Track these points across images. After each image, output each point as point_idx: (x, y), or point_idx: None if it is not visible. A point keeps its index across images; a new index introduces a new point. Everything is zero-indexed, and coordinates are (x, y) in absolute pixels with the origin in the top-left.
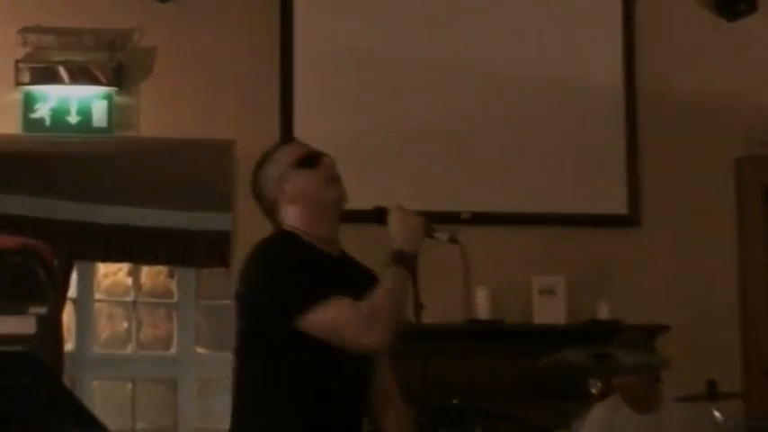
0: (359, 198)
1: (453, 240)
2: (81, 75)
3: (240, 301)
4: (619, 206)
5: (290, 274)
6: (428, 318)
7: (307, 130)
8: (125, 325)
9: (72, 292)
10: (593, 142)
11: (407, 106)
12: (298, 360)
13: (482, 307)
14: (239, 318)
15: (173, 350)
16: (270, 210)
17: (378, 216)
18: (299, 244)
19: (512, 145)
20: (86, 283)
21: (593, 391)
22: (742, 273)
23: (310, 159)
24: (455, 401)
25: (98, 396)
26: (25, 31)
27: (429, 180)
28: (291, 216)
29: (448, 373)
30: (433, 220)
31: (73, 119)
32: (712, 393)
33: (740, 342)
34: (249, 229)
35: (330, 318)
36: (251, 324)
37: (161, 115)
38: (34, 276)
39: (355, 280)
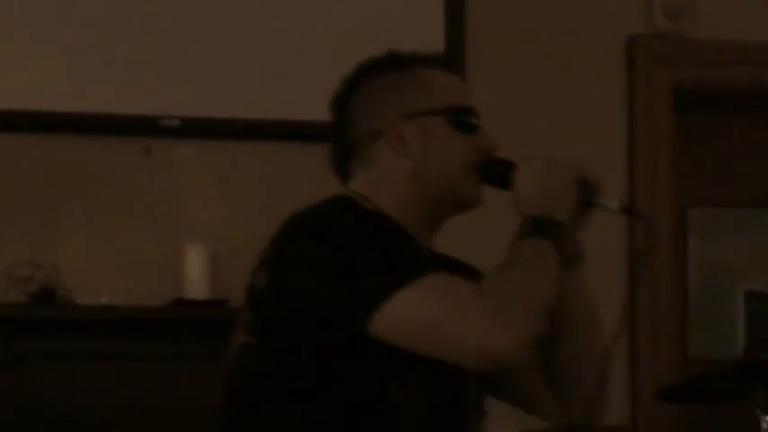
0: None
1: (629, 211)
2: None
3: (259, 306)
4: None
5: (365, 253)
6: None
7: None
8: None
9: None
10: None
11: None
12: (380, 403)
13: (194, 283)
14: (255, 341)
15: None
16: (344, 154)
17: (493, 174)
18: (385, 223)
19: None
20: None
21: None
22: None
23: (471, 117)
24: None
25: None
26: None
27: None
28: (387, 183)
29: None
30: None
31: None
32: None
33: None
34: None
35: (429, 309)
36: (280, 347)
37: None
38: None
39: None
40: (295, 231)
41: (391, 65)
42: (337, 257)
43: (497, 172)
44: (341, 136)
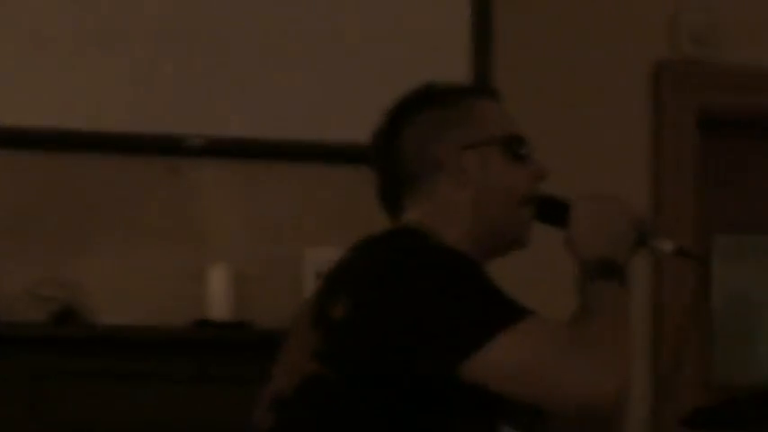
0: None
1: (686, 254)
2: None
3: (337, 337)
4: None
5: (459, 292)
6: None
7: None
8: None
9: None
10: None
11: None
12: None
13: (218, 304)
14: (336, 379)
15: None
16: (396, 187)
17: (549, 211)
18: (470, 260)
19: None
20: None
21: None
22: None
23: (524, 146)
24: None
25: None
26: None
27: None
28: (448, 215)
29: None
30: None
31: None
32: None
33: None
34: None
35: (531, 352)
36: (360, 383)
37: None
38: None
39: None
40: (379, 264)
41: (439, 97)
42: (429, 296)
43: (554, 210)
44: (392, 169)
